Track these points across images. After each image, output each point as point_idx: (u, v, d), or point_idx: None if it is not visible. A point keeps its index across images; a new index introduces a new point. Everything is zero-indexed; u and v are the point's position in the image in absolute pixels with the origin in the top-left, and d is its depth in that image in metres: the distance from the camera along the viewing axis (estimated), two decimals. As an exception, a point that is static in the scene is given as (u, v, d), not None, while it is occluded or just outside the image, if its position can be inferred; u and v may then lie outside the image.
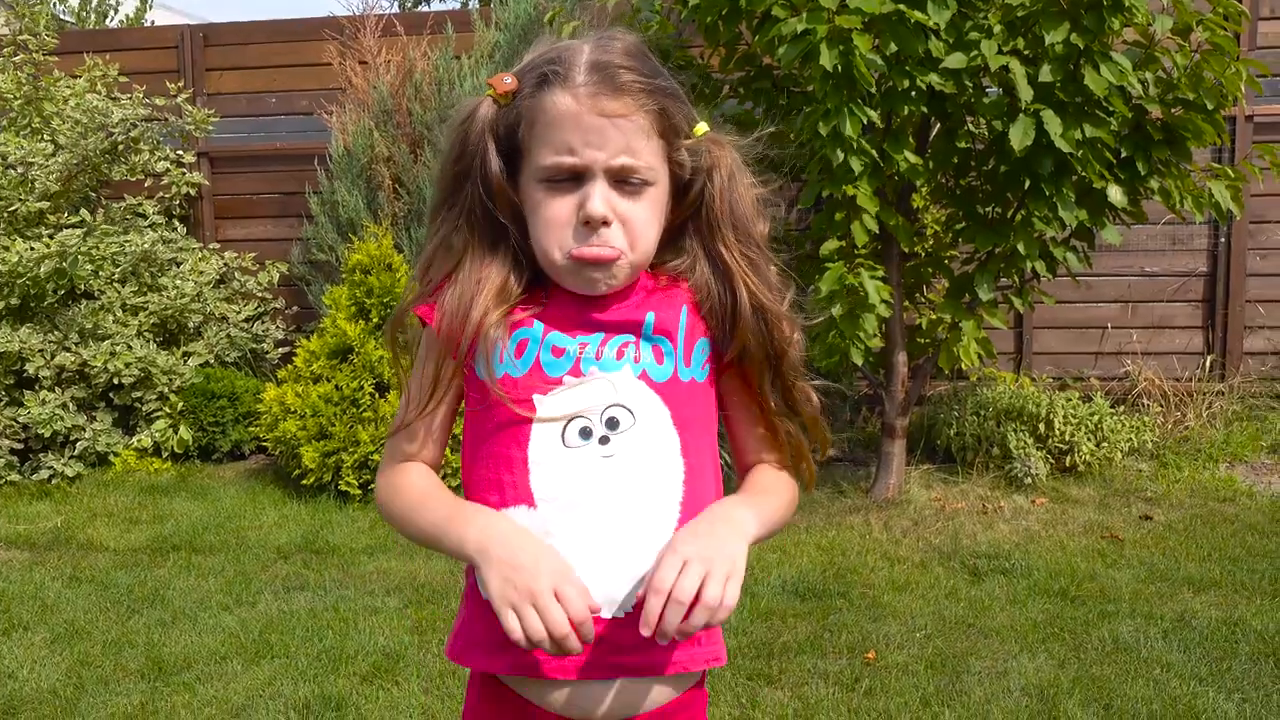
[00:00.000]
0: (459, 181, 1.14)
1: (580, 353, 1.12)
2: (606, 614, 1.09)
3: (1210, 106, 4.00)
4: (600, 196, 1.08)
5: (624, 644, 1.10)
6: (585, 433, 1.10)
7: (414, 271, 1.21)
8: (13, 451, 5.16)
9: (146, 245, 5.51)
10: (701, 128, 1.14)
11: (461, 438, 1.19)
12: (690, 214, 1.17)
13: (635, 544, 1.10)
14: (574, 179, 1.09)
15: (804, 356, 1.21)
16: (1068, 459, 4.81)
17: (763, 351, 1.16)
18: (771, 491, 1.19)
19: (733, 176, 1.16)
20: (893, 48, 3.79)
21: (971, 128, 4.36)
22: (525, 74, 1.12)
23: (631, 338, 1.14)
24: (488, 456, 1.13)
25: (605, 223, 1.08)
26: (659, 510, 1.12)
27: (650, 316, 1.14)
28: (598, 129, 1.07)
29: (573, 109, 1.07)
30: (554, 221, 1.10)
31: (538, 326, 1.13)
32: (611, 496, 1.10)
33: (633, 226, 1.10)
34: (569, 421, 1.10)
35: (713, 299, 1.16)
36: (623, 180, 1.09)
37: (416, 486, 1.17)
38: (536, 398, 1.11)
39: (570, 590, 1.02)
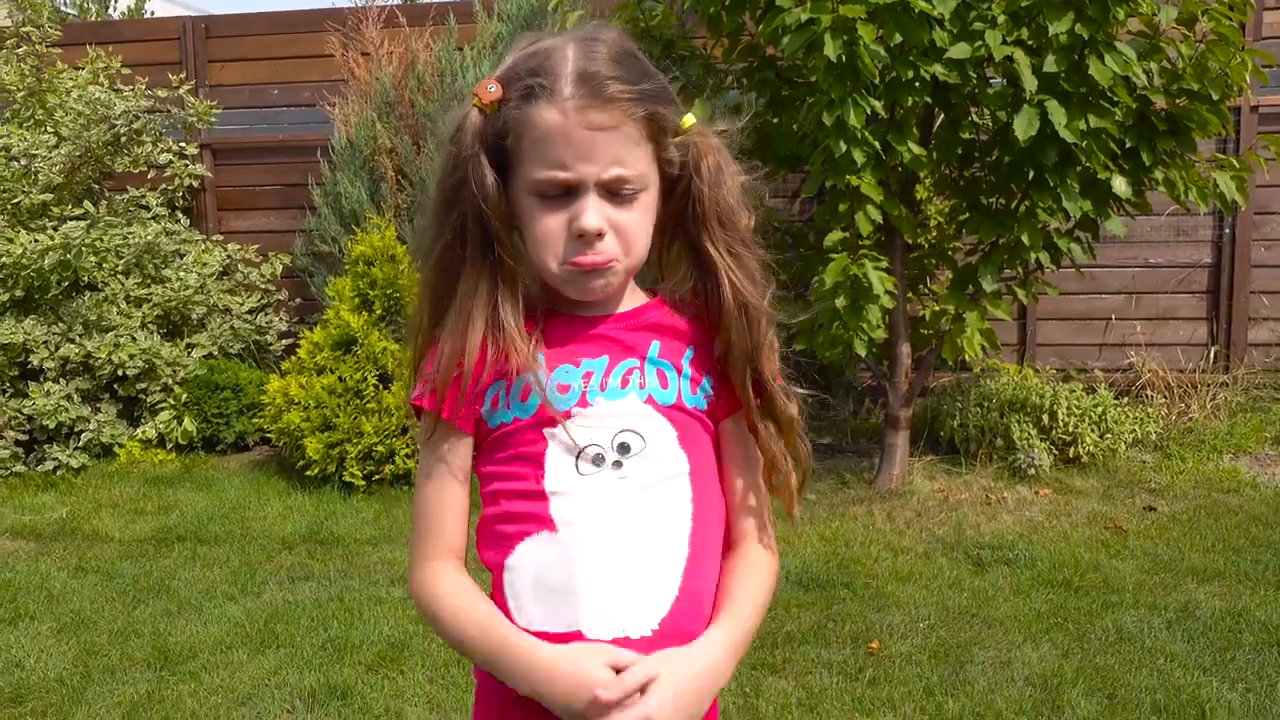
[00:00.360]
0: (455, 194, 1.12)
1: (585, 386, 1.13)
2: (635, 634, 1.10)
3: (1215, 97, 3.98)
4: (593, 210, 1.08)
5: None
6: (598, 460, 1.12)
7: (417, 310, 1.19)
8: (18, 443, 5.17)
9: (150, 237, 5.51)
10: (689, 119, 1.14)
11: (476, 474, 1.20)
12: (679, 207, 1.16)
13: (657, 560, 1.12)
14: (566, 193, 1.09)
15: (782, 352, 1.20)
16: (1071, 450, 4.81)
17: (743, 347, 1.16)
18: (752, 591, 1.19)
19: (719, 168, 1.15)
20: (897, 38, 3.78)
21: (975, 119, 4.35)
22: (510, 82, 1.10)
23: (636, 363, 1.15)
24: (504, 493, 1.14)
25: (599, 235, 1.09)
26: (674, 525, 1.14)
27: (655, 345, 1.16)
28: (588, 143, 1.06)
29: (561, 124, 1.06)
30: (548, 234, 1.10)
31: (540, 364, 1.13)
32: (630, 517, 1.12)
33: (626, 234, 1.11)
34: (581, 451, 1.12)
35: (700, 295, 1.17)
36: (614, 191, 1.09)
37: (451, 607, 1.16)
38: (547, 432, 1.12)
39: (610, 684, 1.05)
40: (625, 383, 1.14)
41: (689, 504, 1.15)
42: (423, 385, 1.15)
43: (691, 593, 1.14)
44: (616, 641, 1.10)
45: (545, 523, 1.11)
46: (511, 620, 1.13)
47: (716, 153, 1.16)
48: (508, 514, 1.14)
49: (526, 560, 1.12)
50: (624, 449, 1.12)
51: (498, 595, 1.16)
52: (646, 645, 1.10)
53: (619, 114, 1.07)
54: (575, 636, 1.10)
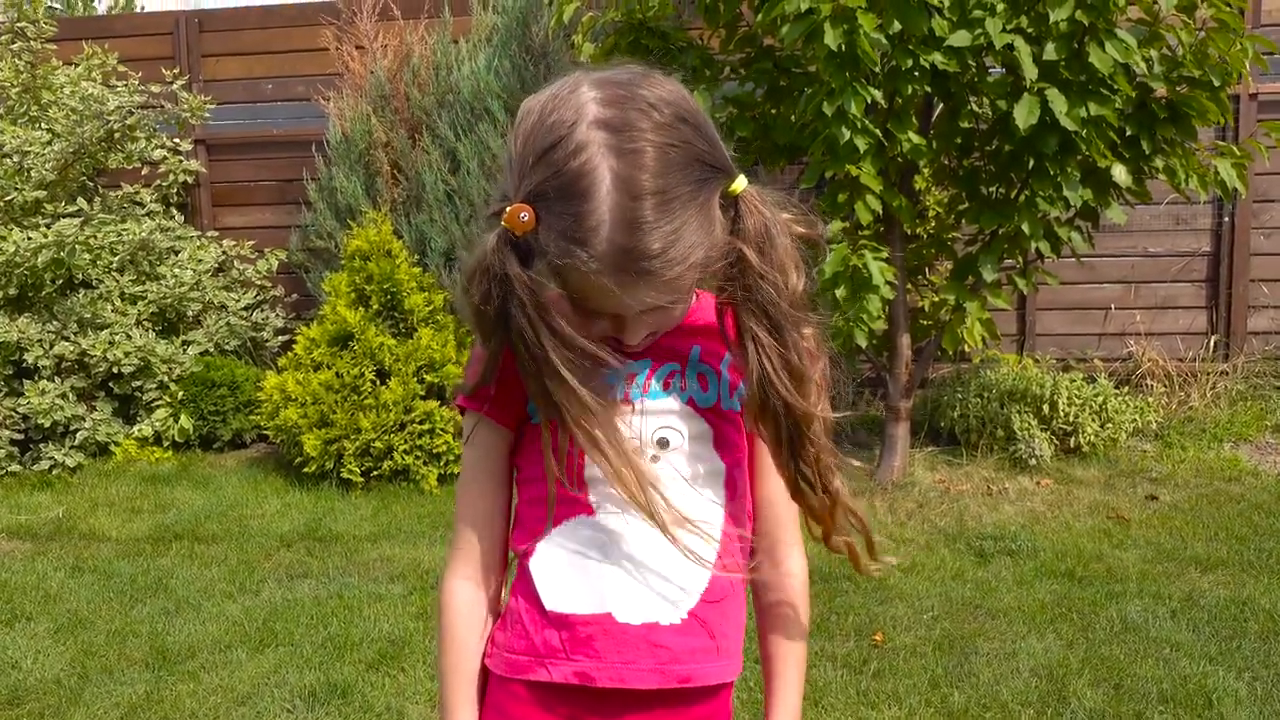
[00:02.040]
0: (499, 319, 1.03)
1: (628, 387, 1.12)
2: (665, 621, 1.10)
3: (1216, 84, 3.96)
4: (638, 330, 1.07)
5: (678, 650, 1.11)
6: (637, 453, 1.10)
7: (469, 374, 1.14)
8: (13, 442, 5.14)
9: (144, 234, 5.48)
10: (739, 184, 1.04)
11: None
12: (721, 269, 1.07)
13: (689, 549, 1.11)
14: None
15: (829, 428, 1.14)
16: (1072, 440, 4.80)
17: (775, 425, 1.10)
18: (794, 672, 1.30)
19: (764, 235, 1.06)
20: (896, 26, 3.76)
21: (975, 107, 4.32)
22: (541, 210, 0.98)
23: (677, 367, 1.14)
24: (542, 478, 1.12)
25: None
26: (708, 515, 1.14)
27: (696, 350, 1.15)
28: (634, 301, 1.01)
29: (604, 288, 0.99)
30: (582, 328, 1.04)
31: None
32: (665, 504, 1.10)
33: (668, 322, 1.10)
34: None
35: (738, 361, 1.12)
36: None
37: (453, 639, 1.17)
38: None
39: None
40: (667, 385, 1.14)
41: (722, 504, 1.15)
42: (466, 386, 1.14)
43: (721, 589, 1.14)
44: (645, 627, 1.10)
45: (584, 507, 1.12)
46: (541, 605, 1.12)
47: (765, 219, 1.06)
48: (546, 498, 1.13)
49: (562, 542, 1.12)
50: (663, 444, 1.13)
51: (524, 582, 1.14)
52: (675, 634, 1.11)
53: (671, 281, 1.00)
54: (606, 619, 1.10)
